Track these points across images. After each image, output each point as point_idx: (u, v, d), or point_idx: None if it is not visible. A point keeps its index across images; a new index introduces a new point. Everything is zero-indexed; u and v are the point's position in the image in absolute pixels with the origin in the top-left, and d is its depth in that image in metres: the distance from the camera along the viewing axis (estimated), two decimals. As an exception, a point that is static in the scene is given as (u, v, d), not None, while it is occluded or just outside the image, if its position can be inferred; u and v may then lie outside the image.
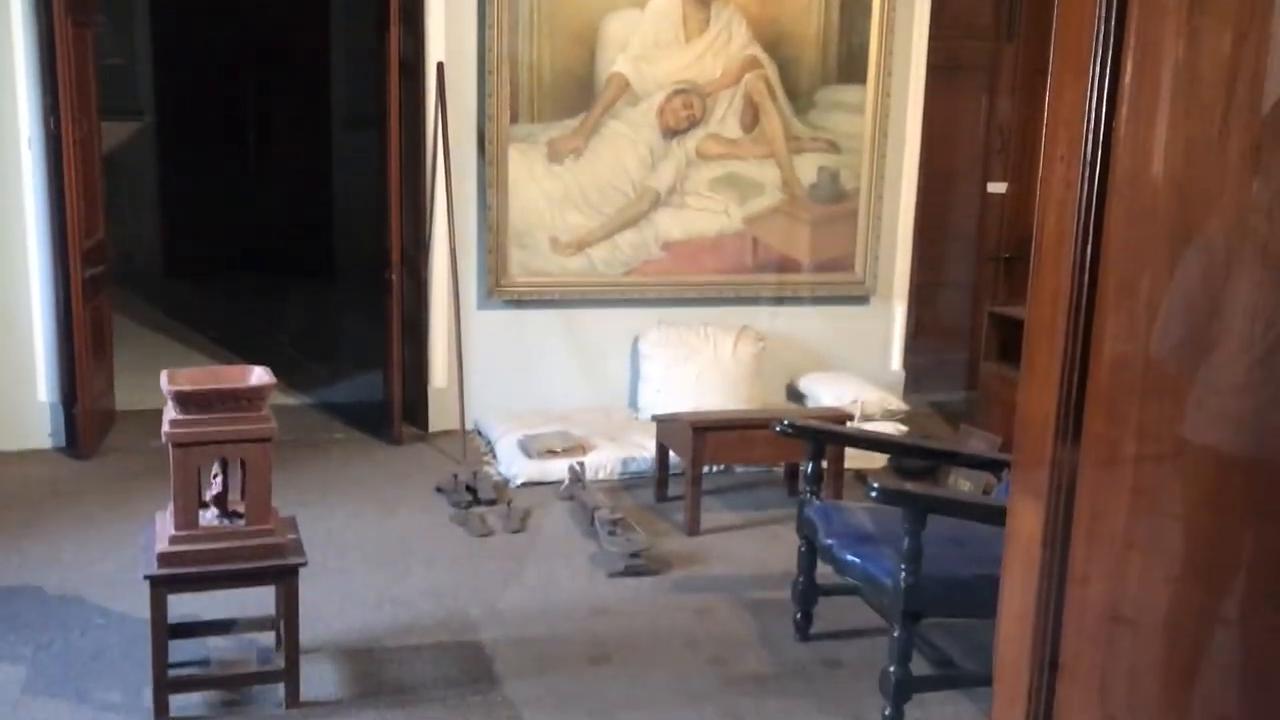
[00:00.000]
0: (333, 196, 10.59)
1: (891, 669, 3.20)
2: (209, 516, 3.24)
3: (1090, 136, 1.14)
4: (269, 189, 10.50)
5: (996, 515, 3.29)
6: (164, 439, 3.12)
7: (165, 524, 3.24)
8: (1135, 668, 1.15)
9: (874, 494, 3.09)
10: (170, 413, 3.14)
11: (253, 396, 3.17)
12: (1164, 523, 1.12)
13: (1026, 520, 1.30)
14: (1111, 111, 1.12)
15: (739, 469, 5.41)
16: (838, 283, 6.31)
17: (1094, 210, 1.16)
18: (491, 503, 4.91)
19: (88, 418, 5.33)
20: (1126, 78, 1.11)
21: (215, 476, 3.26)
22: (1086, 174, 1.16)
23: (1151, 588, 1.12)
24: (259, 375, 3.26)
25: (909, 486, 3.38)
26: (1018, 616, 1.32)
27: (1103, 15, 1.10)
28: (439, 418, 5.92)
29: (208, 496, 3.26)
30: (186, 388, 3.11)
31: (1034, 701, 1.28)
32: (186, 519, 3.15)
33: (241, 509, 3.26)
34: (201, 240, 10.31)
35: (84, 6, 5.29)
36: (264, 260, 10.32)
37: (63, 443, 5.46)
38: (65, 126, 5.06)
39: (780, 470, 5.34)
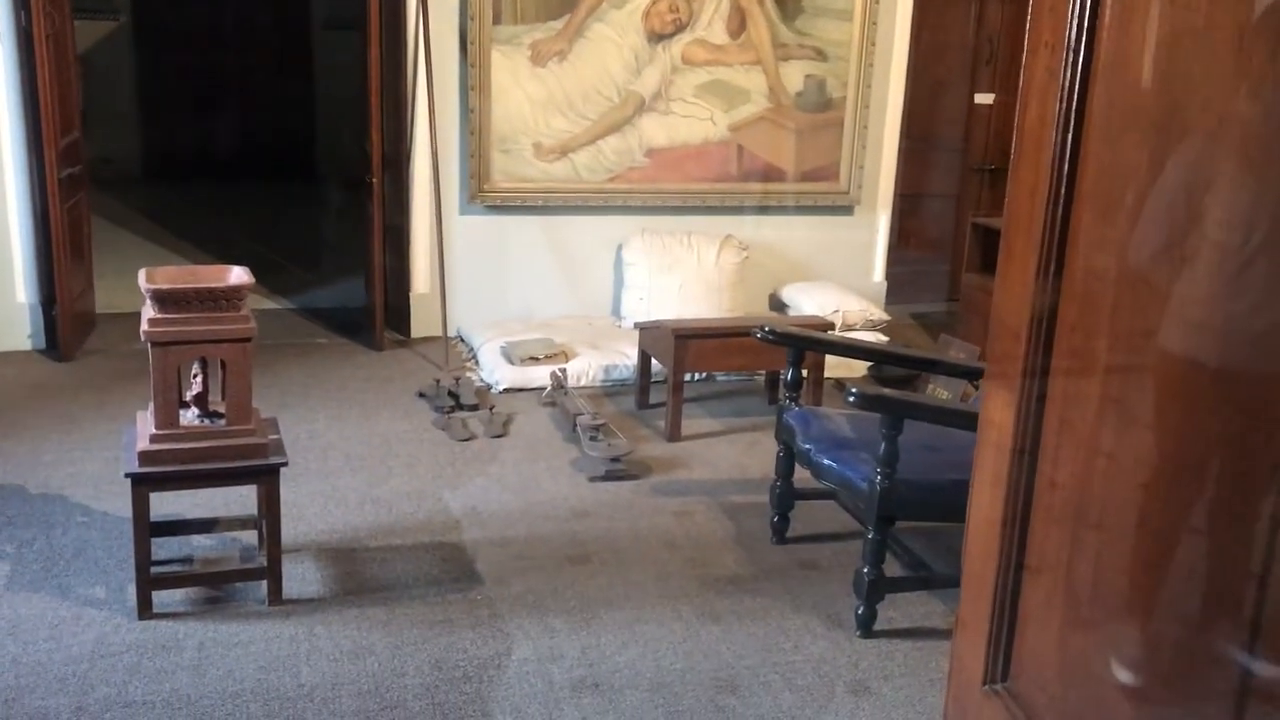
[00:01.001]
0: (314, 100, 10.43)
1: (865, 570, 3.26)
2: (189, 416, 3.24)
3: (1075, 21, 1.13)
4: (248, 92, 10.34)
5: (970, 421, 3.33)
6: (143, 338, 3.11)
7: (146, 423, 3.24)
8: (1100, 570, 1.17)
9: (851, 398, 3.11)
10: (149, 311, 3.12)
11: (231, 296, 3.15)
12: (1135, 431, 1.12)
13: (998, 422, 1.31)
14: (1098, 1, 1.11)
15: (720, 377, 5.44)
16: (822, 192, 6.28)
17: (1076, 99, 1.15)
18: (473, 408, 4.93)
19: (67, 319, 5.30)
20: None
21: (195, 376, 3.25)
22: (1069, 60, 1.14)
23: (1120, 493, 1.14)
24: (238, 275, 3.23)
25: (885, 392, 3.40)
26: (987, 517, 1.34)
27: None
28: (421, 324, 5.91)
29: (188, 396, 3.26)
30: (165, 286, 3.08)
31: (999, 598, 1.30)
32: (167, 418, 3.15)
33: (222, 409, 3.26)
34: (180, 144, 10.18)
35: (53, -105, 5.14)
36: (244, 165, 10.20)
37: (42, 344, 5.43)
38: (37, 20, 4.94)
39: (761, 379, 5.37)
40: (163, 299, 3.09)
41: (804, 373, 3.97)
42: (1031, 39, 1.22)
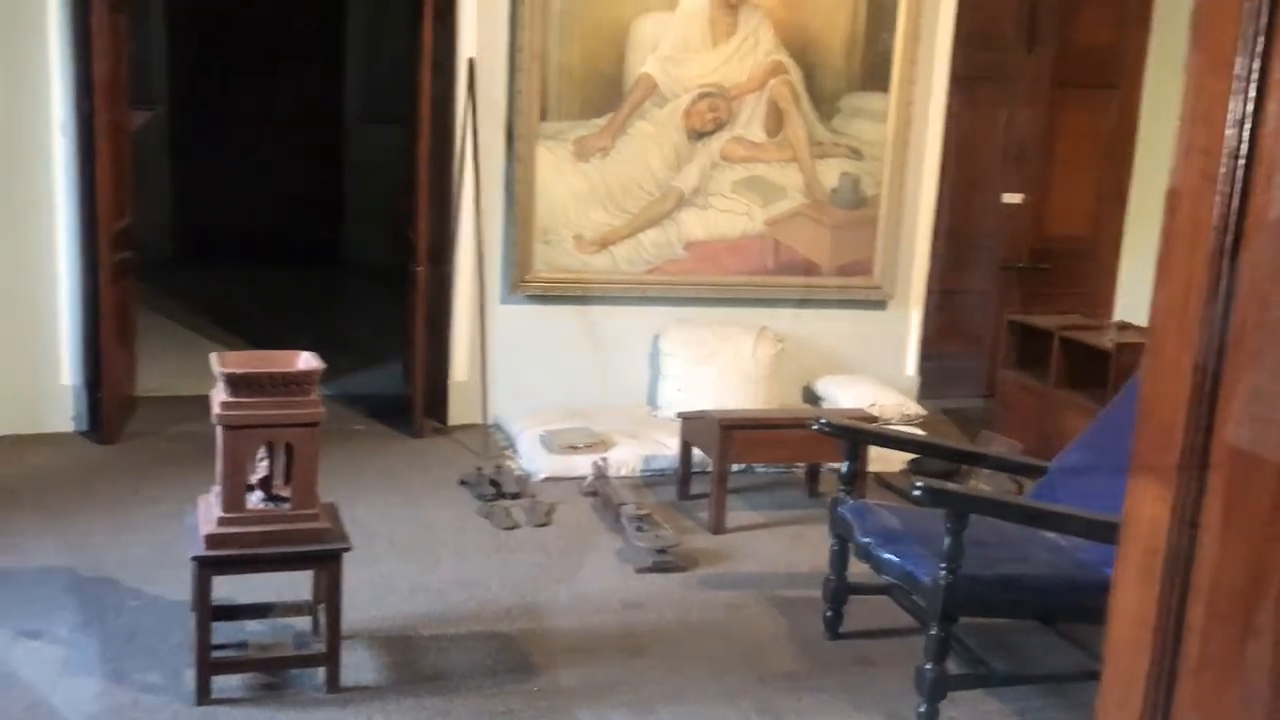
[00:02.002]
0: (344, 190, 10.61)
1: (928, 666, 3.23)
2: (255, 499, 3.26)
3: (1236, 127, 1.18)
4: (280, 181, 10.52)
5: (1037, 516, 3.35)
6: (214, 421, 3.14)
7: (211, 506, 3.26)
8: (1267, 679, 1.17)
9: (918, 493, 3.12)
10: (221, 395, 3.16)
11: (303, 380, 3.20)
12: None
13: (1148, 517, 1.33)
14: (1261, 103, 1.16)
15: (759, 469, 5.45)
16: (856, 287, 6.35)
17: (1237, 204, 1.19)
18: (516, 496, 4.94)
19: (112, 402, 5.33)
20: (1277, 71, 1.15)
21: (261, 460, 3.28)
22: (1230, 166, 1.19)
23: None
24: (306, 360, 3.28)
25: (952, 486, 3.40)
26: (1135, 617, 1.34)
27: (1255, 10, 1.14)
28: (458, 411, 5.94)
29: (253, 480, 3.28)
30: (239, 370, 3.13)
31: (1151, 700, 1.30)
32: (234, 501, 3.16)
33: (285, 493, 3.28)
34: (212, 230, 10.33)
35: (118, -7, 5.31)
36: (273, 251, 10.32)
37: (85, 427, 5.46)
38: (99, 111, 5.07)
39: (800, 470, 5.38)
40: (236, 383, 3.12)
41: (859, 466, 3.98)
42: (1182, 142, 1.27)
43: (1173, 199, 1.29)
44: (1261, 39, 1.16)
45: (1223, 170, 1.21)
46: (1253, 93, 1.17)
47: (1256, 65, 1.17)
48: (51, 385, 5.40)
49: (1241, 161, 1.19)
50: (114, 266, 5.28)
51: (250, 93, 10.23)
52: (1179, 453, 1.27)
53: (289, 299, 9.16)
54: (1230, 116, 1.19)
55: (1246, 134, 1.18)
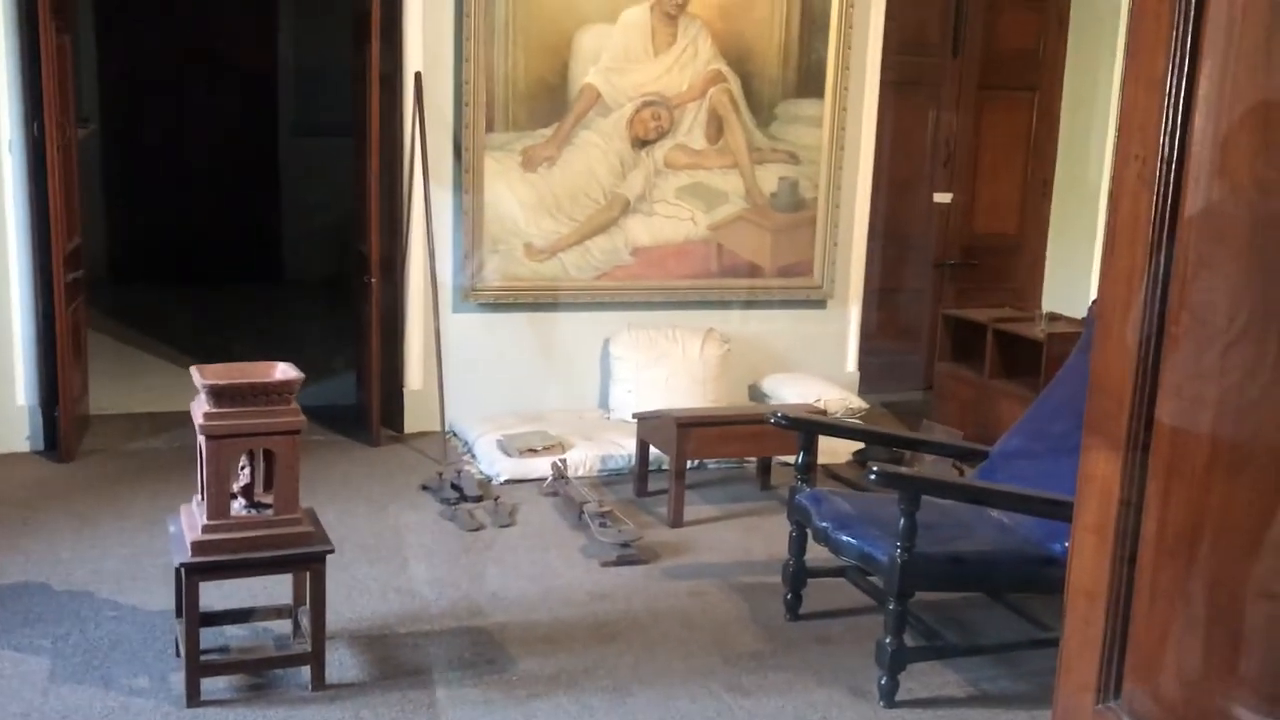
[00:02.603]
0: (280, 204, 10.61)
1: (888, 640, 3.43)
2: (238, 507, 3.35)
3: (1166, 136, 1.38)
4: (215, 196, 10.50)
5: (984, 496, 3.58)
6: (198, 431, 3.23)
7: (194, 515, 3.35)
8: (1214, 598, 1.36)
9: (873, 477, 3.32)
10: (203, 406, 3.25)
11: (282, 390, 3.30)
12: (1243, 478, 1.32)
13: (1101, 475, 1.52)
14: (1188, 115, 1.36)
15: (711, 465, 5.63)
16: (797, 287, 6.57)
17: (1170, 201, 1.39)
18: (478, 499, 5.06)
19: (68, 420, 5.35)
20: (1201, 89, 1.35)
21: (243, 469, 3.38)
22: (1161, 169, 1.39)
23: (1230, 536, 1.33)
24: (284, 370, 3.39)
25: (905, 470, 3.61)
26: (1093, 558, 1.54)
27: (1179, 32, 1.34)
28: (414, 420, 6.04)
29: (235, 488, 3.38)
30: (222, 381, 3.23)
31: (1111, 627, 1.50)
32: (219, 509, 3.26)
33: (266, 500, 3.38)
34: (147, 247, 10.28)
35: (64, 14, 5.34)
36: (211, 267, 10.30)
37: (41, 446, 5.47)
38: (50, 132, 5.10)
39: (751, 465, 5.57)
40: (219, 394, 3.22)
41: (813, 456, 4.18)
42: (1121, 151, 1.47)
43: (1115, 199, 1.49)
44: (1187, 60, 1.37)
45: (1156, 174, 1.41)
46: (1180, 106, 1.37)
47: (1183, 83, 1.37)
48: (6, 406, 5.41)
49: (1172, 166, 1.39)
50: (67, 286, 5.30)
51: (182, 108, 10.22)
52: (1126, 419, 1.46)
53: (232, 316, 9.15)
54: (1162, 127, 1.39)
55: (1176, 142, 1.38)
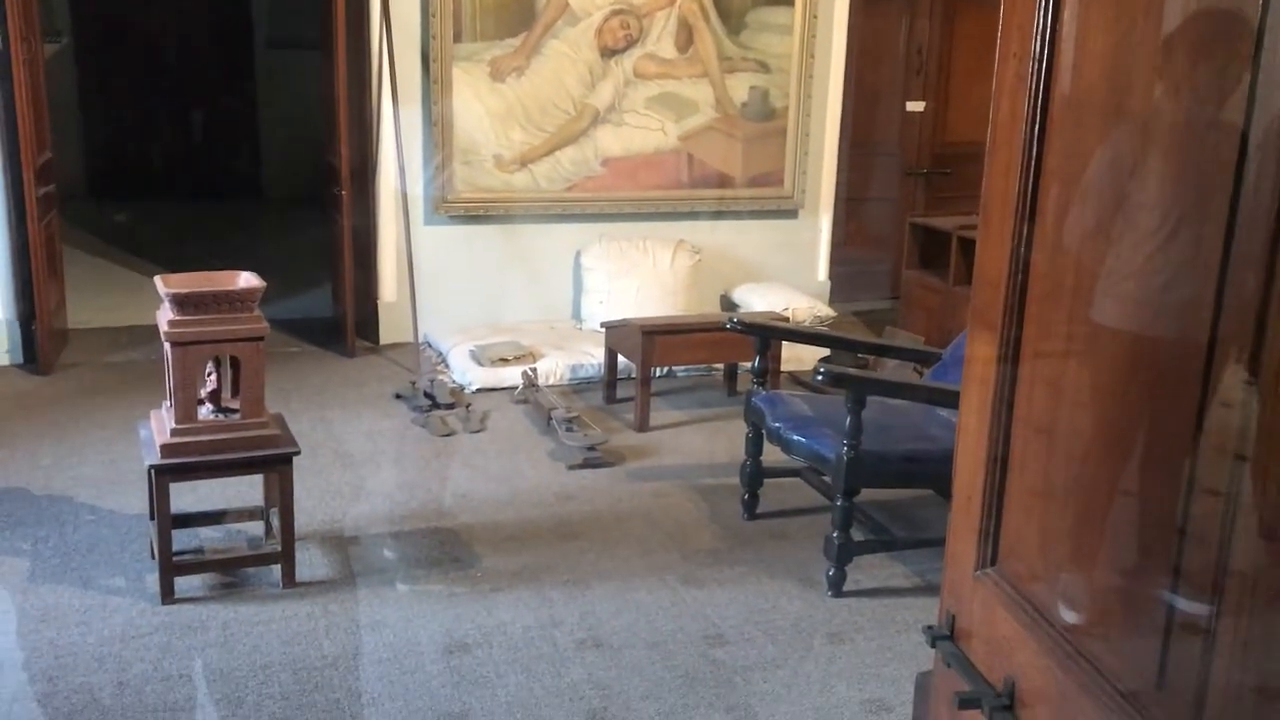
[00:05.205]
0: (257, 117, 10.56)
1: (834, 534, 3.58)
2: (205, 412, 3.46)
3: (1038, 36, 1.45)
4: (191, 111, 10.45)
5: (924, 393, 3.69)
6: (163, 339, 3.32)
7: (163, 420, 3.46)
8: (1067, 472, 1.48)
9: (820, 376, 3.42)
10: (167, 314, 3.34)
11: (245, 298, 3.38)
12: (1085, 370, 1.43)
13: (981, 357, 1.62)
14: (1056, 16, 1.43)
15: (680, 372, 5.74)
16: (768, 197, 6.62)
17: (1041, 98, 1.47)
18: (450, 407, 5.17)
19: (46, 334, 5.44)
20: (1067, -10, 1.42)
21: (209, 375, 3.47)
22: (1034, 68, 1.46)
23: (1078, 411, 1.45)
24: (247, 278, 3.46)
25: (851, 370, 3.72)
26: (974, 435, 1.65)
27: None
28: (389, 331, 6.14)
29: (203, 394, 3.48)
30: (184, 290, 3.30)
31: (987, 500, 1.61)
32: (187, 413, 3.36)
33: (234, 405, 3.49)
34: (124, 163, 10.25)
35: (25, -77, 5.30)
36: (188, 182, 10.29)
37: (20, 359, 5.56)
38: (14, 45, 5.09)
39: (719, 372, 5.69)
40: (182, 302, 3.30)
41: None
42: (1002, 50, 1.54)
43: (996, 96, 1.56)
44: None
45: (1030, 70, 1.48)
46: (1049, 5, 1.44)
47: (1053, -17, 1.43)
48: (-16, 319, 5.49)
49: (1044, 64, 1.47)
50: (39, 200, 5.34)
51: (156, 22, 10.11)
52: (1002, 306, 1.56)
53: (208, 231, 9.18)
54: (1034, 26, 1.46)
55: (1047, 40, 1.46)
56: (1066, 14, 1.44)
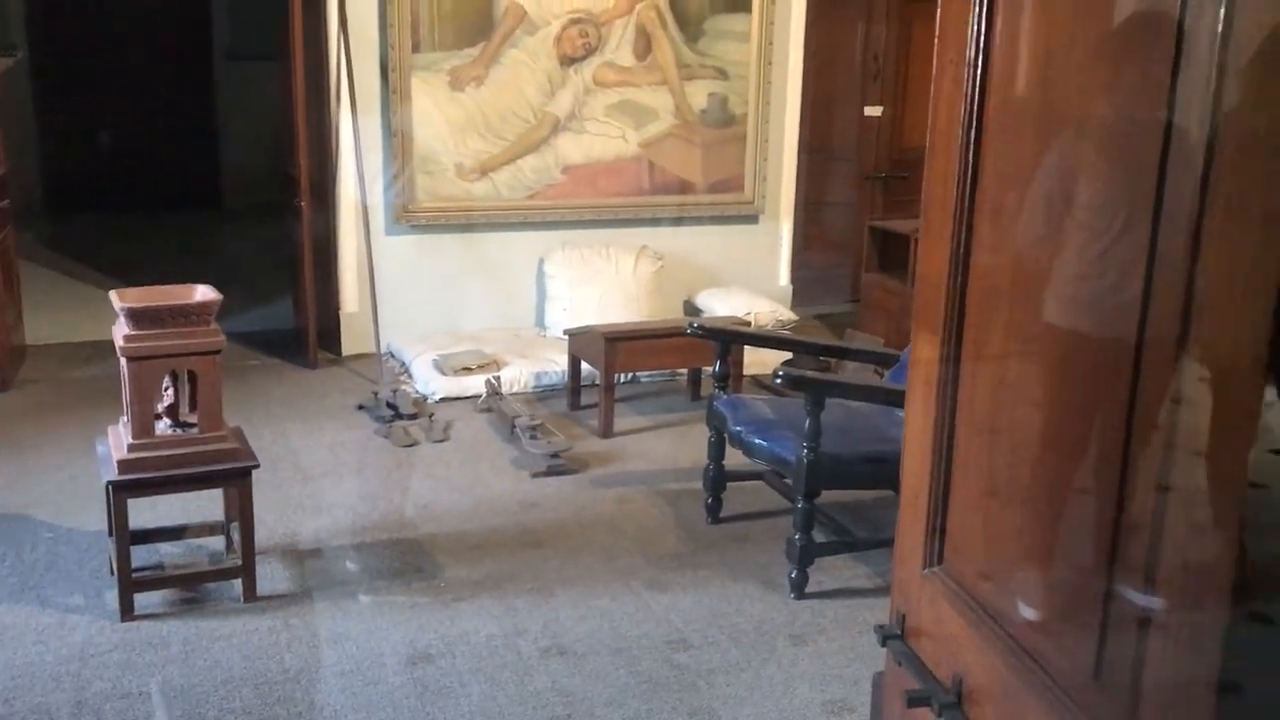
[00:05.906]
0: (216, 128, 10.50)
1: (796, 537, 3.60)
2: (163, 426, 3.44)
3: (972, 43, 1.47)
4: (150, 123, 10.36)
5: (881, 394, 3.72)
6: (119, 354, 3.30)
7: (120, 436, 3.43)
8: (1012, 470, 1.51)
9: (779, 379, 3.45)
10: (123, 329, 3.31)
11: (201, 311, 3.36)
12: (1028, 366, 1.46)
13: (925, 359, 1.64)
14: (990, 25, 1.46)
15: (644, 378, 5.76)
16: (729, 203, 6.66)
17: (976, 104, 1.49)
18: (413, 417, 5.16)
19: (3, 351, 5.38)
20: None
21: (166, 389, 3.45)
22: (970, 74, 1.49)
23: (1018, 410, 1.47)
24: (203, 292, 3.44)
25: (809, 373, 3.75)
26: (919, 434, 1.67)
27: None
28: (351, 342, 6.11)
29: (160, 409, 3.45)
30: (140, 304, 3.28)
31: (934, 500, 1.64)
32: (143, 428, 3.34)
33: (191, 419, 3.47)
34: (82, 176, 10.15)
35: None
36: (147, 194, 10.21)
37: (-24, 377, 5.50)
38: (-35, 59, 5.04)
39: (683, 377, 5.71)
40: (137, 316, 3.28)
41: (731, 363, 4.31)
42: (939, 58, 1.57)
43: (934, 102, 1.59)
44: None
45: (965, 76, 1.51)
46: (984, 14, 1.47)
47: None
48: (-62, 337, 5.42)
49: (979, 70, 1.49)
50: (-7, 215, 5.30)
51: (113, 34, 10.03)
52: (943, 306, 1.58)
53: (167, 244, 9.11)
54: (969, 34, 1.49)
55: (981, 47, 1.48)
56: (1000, 21, 1.46)
